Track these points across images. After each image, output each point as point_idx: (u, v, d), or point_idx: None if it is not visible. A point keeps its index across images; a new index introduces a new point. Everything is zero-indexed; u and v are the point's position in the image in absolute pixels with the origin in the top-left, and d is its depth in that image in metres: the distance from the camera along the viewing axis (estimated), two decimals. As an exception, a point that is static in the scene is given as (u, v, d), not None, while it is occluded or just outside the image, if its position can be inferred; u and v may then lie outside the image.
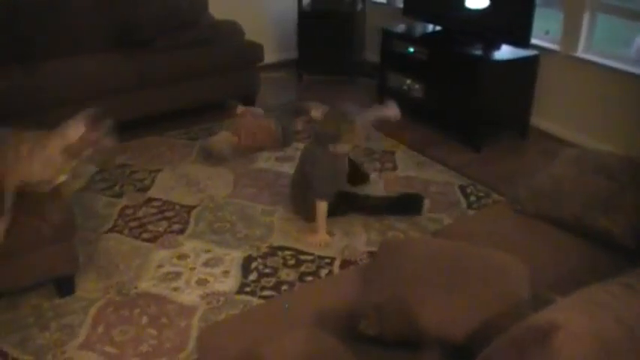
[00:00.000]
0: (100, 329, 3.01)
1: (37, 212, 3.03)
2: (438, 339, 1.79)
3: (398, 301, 1.80)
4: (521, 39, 4.60)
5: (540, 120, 5.04)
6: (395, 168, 4.53)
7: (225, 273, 3.41)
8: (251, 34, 5.69)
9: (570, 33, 4.70)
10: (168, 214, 3.99)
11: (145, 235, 3.76)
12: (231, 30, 5.57)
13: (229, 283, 3.33)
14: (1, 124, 4.01)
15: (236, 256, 3.56)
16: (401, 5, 5.76)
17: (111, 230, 3.81)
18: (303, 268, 3.44)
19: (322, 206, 3.66)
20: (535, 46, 4.79)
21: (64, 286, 3.25)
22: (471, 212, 3.94)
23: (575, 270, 2.33)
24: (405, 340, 1.86)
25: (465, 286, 1.82)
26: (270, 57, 6.08)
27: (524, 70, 4.81)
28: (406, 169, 4.51)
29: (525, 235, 2.50)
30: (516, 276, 1.94)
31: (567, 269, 2.33)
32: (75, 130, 3.07)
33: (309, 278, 3.36)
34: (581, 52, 4.70)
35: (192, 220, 3.90)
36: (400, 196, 4.04)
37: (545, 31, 5.07)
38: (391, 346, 1.88)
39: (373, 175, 4.40)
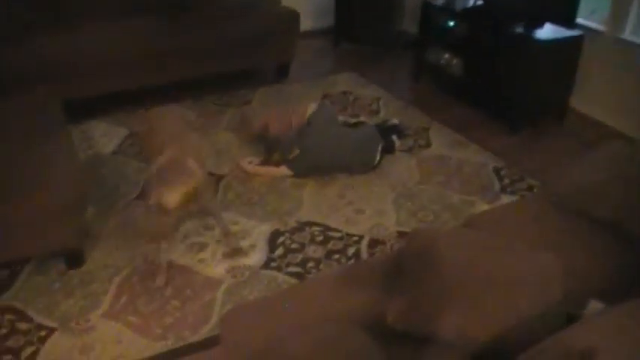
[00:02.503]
0: (124, 299, 3.01)
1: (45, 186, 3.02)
2: (466, 341, 1.73)
3: (428, 299, 1.75)
4: (566, 18, 4.44)
5: (580, 103, 4.88)
6: (428, 145, 4.44)
7: (252, 247, 3.38)
8: (287, 1, 5.59)
9: (618, 14, 4.53)
10: (197, 182, 3.96)
11: (173, 204, 3.74)
12: (267, -4, 5.47)
13: (255, 257, 3.30)
14: (41, 87, 4.02)
15: (263, 229, 3.52)
16: (443, -24, 5.60)
17: (139, 197, 3.80)
18: (330, 246, 3.40)
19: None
20: (580, 26, 4.63)
21: (73, 260, 3.23)
22: (503, 196, 3.84)
23: (612, 273, 2.26)
24: (432, 338, 1.81)
25: (498, 289, 1.76)
26: (306, 24, 5.97)
27: (568, 50, 4.63)
28: (440, 148, 4.41)
29: (562, 232, 2.41)
30: (552, 277, 1.87)
31: (603, 272, 2.26)
32: None
33: (336, 256, 3.32)
34: (628, 35, 4.52)
35: (220, 190, 3.87)
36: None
37: (591, 11, 4.90)
38: (419, 341, 1.83)
39: (405, 154, 4.33)
